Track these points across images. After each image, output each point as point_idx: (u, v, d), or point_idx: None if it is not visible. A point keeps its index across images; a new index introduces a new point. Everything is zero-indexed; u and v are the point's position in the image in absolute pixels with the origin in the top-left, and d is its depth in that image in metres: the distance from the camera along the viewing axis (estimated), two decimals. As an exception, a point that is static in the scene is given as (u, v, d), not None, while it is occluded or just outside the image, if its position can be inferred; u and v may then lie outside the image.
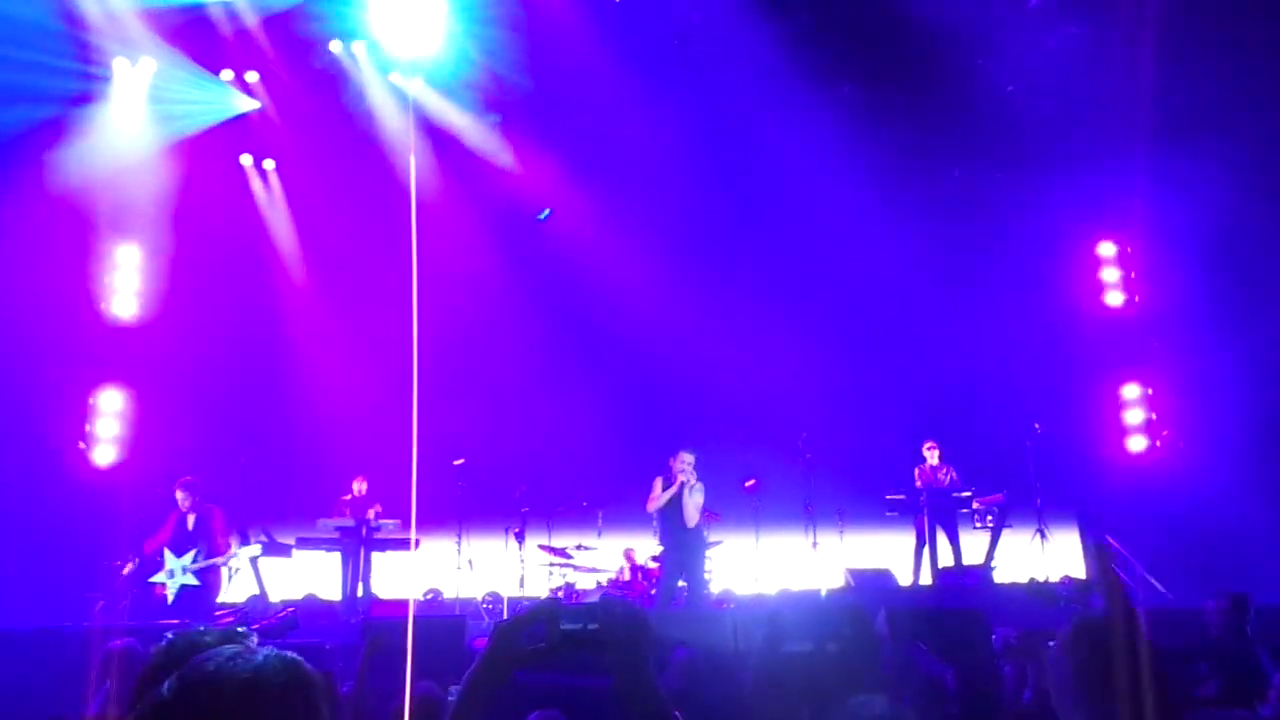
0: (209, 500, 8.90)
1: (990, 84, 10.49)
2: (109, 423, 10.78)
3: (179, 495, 8.74)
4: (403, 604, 10.01)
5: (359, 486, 10.01)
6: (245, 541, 8.91)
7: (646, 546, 10.40)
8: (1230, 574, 7.85)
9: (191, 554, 8.56)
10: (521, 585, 10.18)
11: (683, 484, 8.26)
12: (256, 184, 12.13)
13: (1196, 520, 9.68)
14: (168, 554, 8.60)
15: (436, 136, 11.72)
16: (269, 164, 12.12)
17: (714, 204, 11.82)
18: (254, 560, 9.26)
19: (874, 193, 11.21)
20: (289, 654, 1.35)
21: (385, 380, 11.61)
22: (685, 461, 8.27)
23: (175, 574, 8.52)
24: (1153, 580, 8.99)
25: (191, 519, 8.75)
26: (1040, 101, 10.35)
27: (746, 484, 9.10)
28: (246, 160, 12.04)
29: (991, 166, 11.53)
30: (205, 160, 11.31)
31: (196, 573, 8.52)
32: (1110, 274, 11.22)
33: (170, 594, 8.47)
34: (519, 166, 11.93)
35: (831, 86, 10.78)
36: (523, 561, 10.28)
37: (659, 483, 8.38)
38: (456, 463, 10.46)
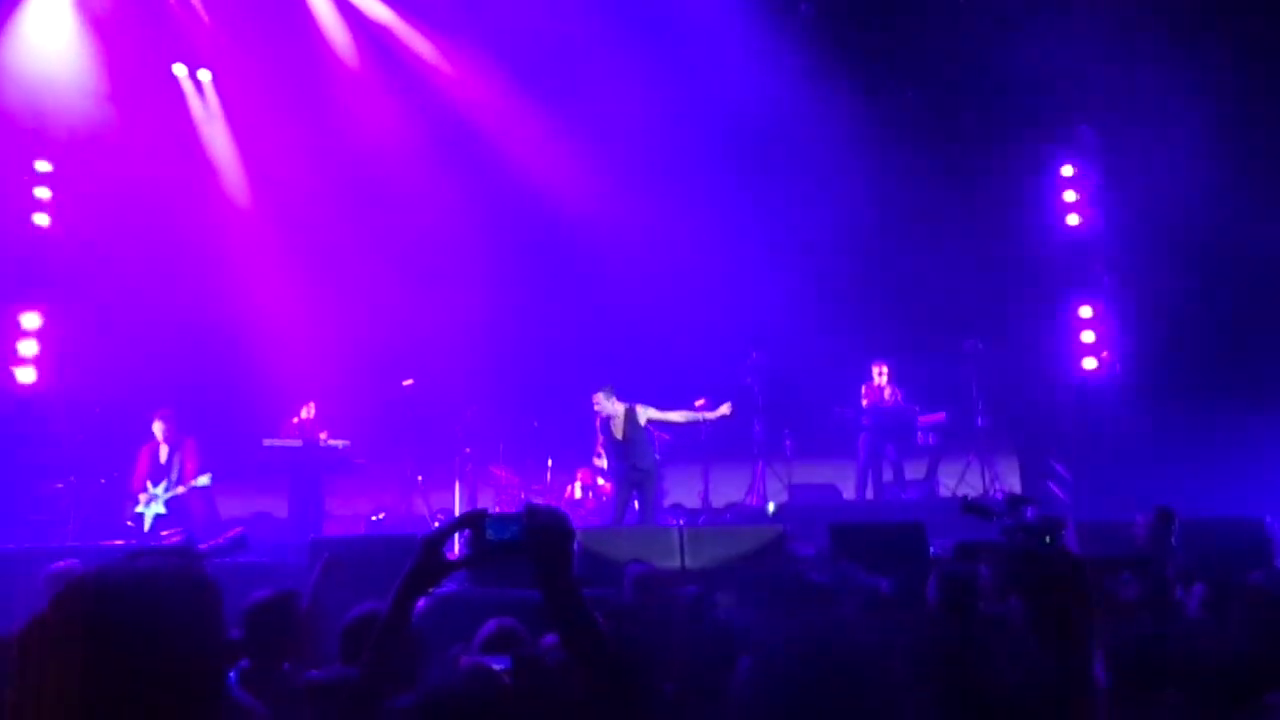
0: (183, 432, 8.87)
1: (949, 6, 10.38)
2: (31, 343, 10.30)
3: (157, 426, 8.72)
4: (354, 523, 10.10)
5: (307, 411, 9.93)
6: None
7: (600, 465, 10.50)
8: (1160, 490, 8.16)
9: (164, 483, 8.55)
10: (472, 505, 10.25)
11: (609, 418, 8.54)
12: (192, 96, 11.66)
13: (1132, 439, 9.99)
14: (149, 484, 8.60)
15: (379, 46, 11.34)
16: (204, 75, 11.65)
17: (670, 122, 11.64)
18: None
19: (827, 110, 11.11)
20: (179, 561, 1.32)
21: (332, 302, 11.47)
22: (598, 404, 8.56)
23: (153, 502, 8.53)
24: (1080, 493, 9.31)
25: (164, 451, 8.75)
26: (1004, 26, 10.25)
27: (695, 404, 9.19)
28: (180, 71, 11.55)
29: (950, 88, 11.44)
30: (134, 70, 10.81)
31: (166, 501, 8.53)
32: (1069, 195, 11.26)
33: (147, 522, 8.48)
34: (465, 80, 11.62)
35: (789, 7, 10.60)
36: (473, 481, 10.33)
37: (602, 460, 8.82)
38: (405, 384, 10.42)
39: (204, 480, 8.58)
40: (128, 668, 1.18)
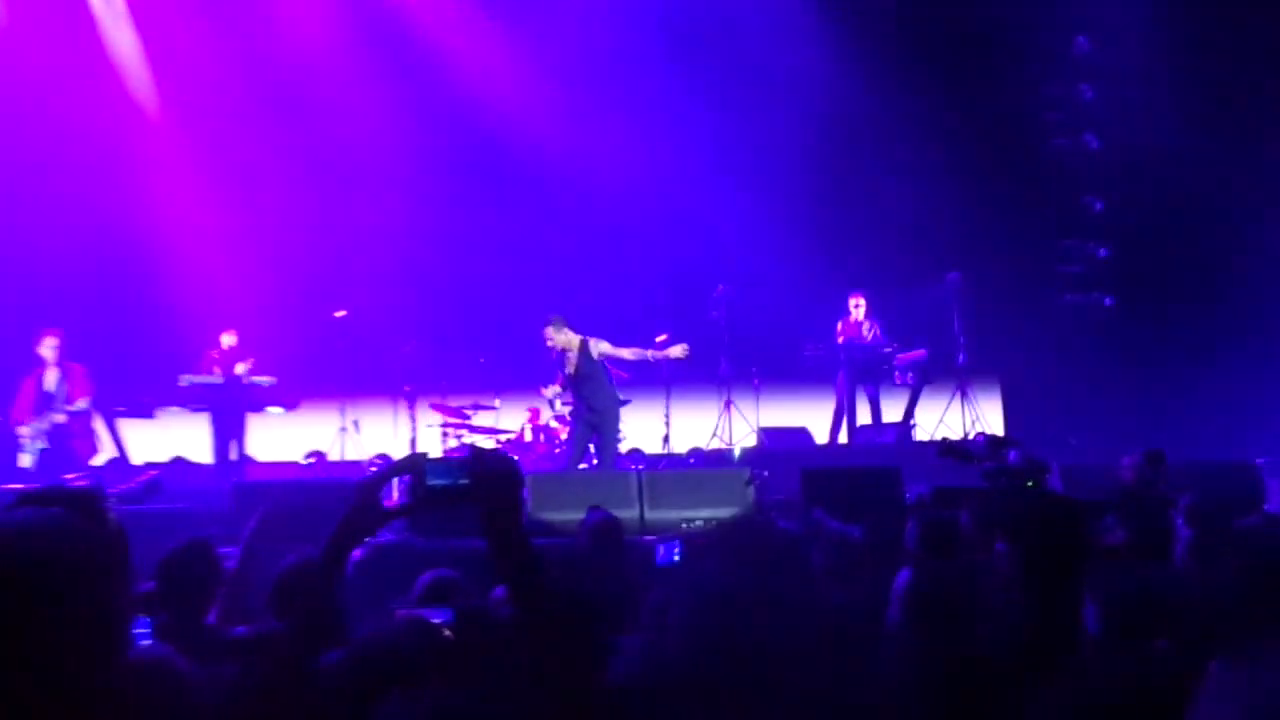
0: (71, 358, 8.73)
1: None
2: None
3: (48, 347, 8.51)
4: (282, 467, 10.05)
5: (227, 340, 9.77)
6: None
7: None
8: (1148, 431, 8.36)
9: (48, 416, 8.41)
10: (412, 448, 10.21)
11: (563, 352, 8.44)
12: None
13: (1119, 377, 10.19)
14: (32, 418, 8.47)
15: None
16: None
17: (632, 32, 11.43)
18: (109, 420, 9.06)
19: (796, 19, 11.00)
20: (58, 511, 1.27)
21: (254, 221, 11.22)
22: (549, 337, 8.43)
23: (38, 437, 8.40)
24: (1064, 435, 9.51)
25: (53, 376, 8.55)
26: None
27: (657, 339, 9.17)
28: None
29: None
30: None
31: (46, 432, 8.38)
32: (1059, 109, 11.24)
33: (30, 458, 8.34)
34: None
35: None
36: (413, 423, 10.28)
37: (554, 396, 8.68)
38: (338, 314, 10.27)
39: (82, 404, 8.43)
40: (8, 624, 1.15)
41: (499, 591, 2.98)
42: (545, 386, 9.05)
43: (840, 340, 10.37)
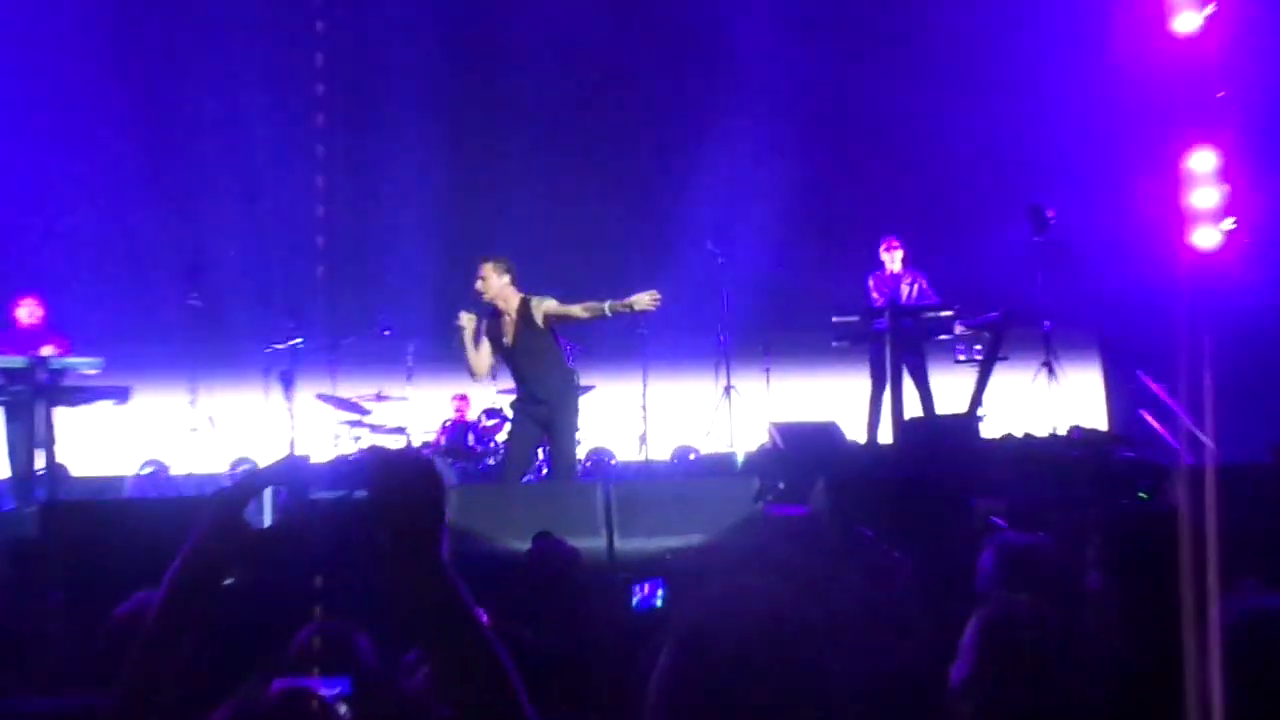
0: None
1: None
2: None
3: None
4: (108, 481, 10.05)
5: (27, 312, 9.76)
6: None
7: (485, 394, 10.52)
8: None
9: None
10: (291, 453, 10.24)
11: (499, 313, 8.21)
12: None
13: (1269, 347, 10.29)
14: None
15: None
16: None
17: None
18: None
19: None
20: None
21: (68, 142, 11.16)
22: (483, 277, 8.13)
23: None
24: (1198, 431, 9.59)
25: None
26: None
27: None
28: None
29: None
30: None
31: None
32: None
33: None
34: None
35: None
36: (292, 419, 10.28)
37: (466, 331, 8.24)
38: (192, 275, 10.26)
39: None
40: None
41: (411, 655, 2.99)
42: (464, 312, 8.26)
43: (876, 300, 10.40)
